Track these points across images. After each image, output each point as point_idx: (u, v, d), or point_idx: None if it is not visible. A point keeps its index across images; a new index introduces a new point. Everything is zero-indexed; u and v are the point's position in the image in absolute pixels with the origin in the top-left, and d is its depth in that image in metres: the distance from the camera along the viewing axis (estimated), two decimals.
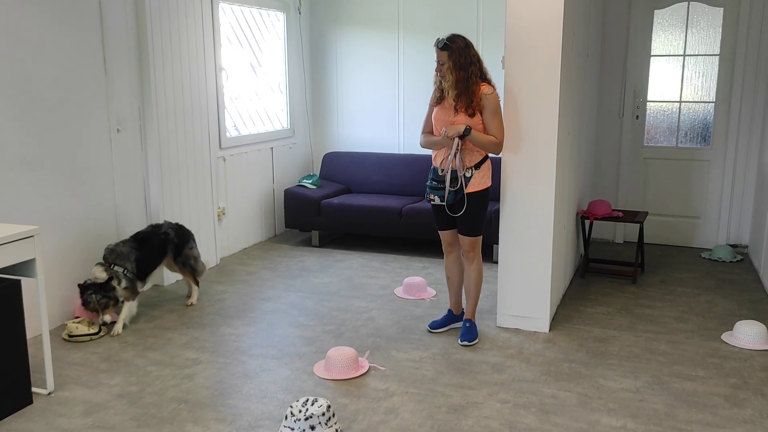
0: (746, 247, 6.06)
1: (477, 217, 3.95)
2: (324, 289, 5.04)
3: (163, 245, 4.58)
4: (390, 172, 6.61)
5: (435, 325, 4.22)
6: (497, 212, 5.32)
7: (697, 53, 6.06)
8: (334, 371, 3.59)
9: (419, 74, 6.63)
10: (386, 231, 6.08)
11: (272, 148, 6.55)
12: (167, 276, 5.12)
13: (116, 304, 4.19)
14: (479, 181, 3.90)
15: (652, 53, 6.18)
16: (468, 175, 3.87)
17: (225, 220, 5.92)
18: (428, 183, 3.97)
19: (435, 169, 3.94)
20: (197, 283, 4.77)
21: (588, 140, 5.70)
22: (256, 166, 6.35)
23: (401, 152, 6.82)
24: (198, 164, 5.39)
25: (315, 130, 7.17)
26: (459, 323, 4.25)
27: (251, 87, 6.28)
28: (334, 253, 6.11)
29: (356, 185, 6.73)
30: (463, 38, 3.78)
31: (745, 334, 3.97)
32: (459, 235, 4.02)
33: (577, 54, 4.61)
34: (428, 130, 4.00)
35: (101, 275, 4.16)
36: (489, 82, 3.83)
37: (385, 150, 6.89)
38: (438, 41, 3.76)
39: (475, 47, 3.84)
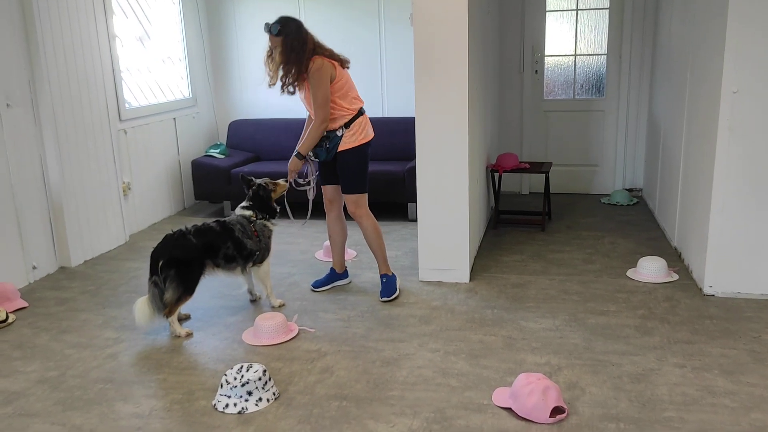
0: (641, 190, 6.47)
1: (355, 174, 4.00)
2: None
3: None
4: (299, 137, 6.51)
5: (318, 284, 4.29)
6: (411, 171, 5.42)
7: (588, 7, 6.31)
8: (264, 337, 3.57)
9: (321, 37, 6.54)
10: (300, 196, 6.01)
11: (175, 118, 6.31)
12: (74, 257, 4.87)
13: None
14: (350, 139, 3.95)
15: (547, 8, 6.39)
16: (339, 134, 3.93)
17: (131, 196, 5.68)
18: None
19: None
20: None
21: (492, 96, 5.86)
22: (160, 138, 6.10)
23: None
24: (98, 138, 5.12)
25: (218, 98, 6.96)
26: (342, 281, 4.35)
27: (148, 55, 5.99)
28: None
29: (265, 152, 6.61)
30: (294, 20, 3.81)
31: (648, 269, 4.26)
32: (343, 195, 4.10)
33: (480, 11, 4.70)
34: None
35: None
36: (325, 54, 3.84)
37: (291, 115, 6.78)
38: (270, 27, 3.75)
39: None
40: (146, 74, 5.97)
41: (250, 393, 2.90)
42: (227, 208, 6.22)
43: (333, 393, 3.01)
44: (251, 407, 2.88)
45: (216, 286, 4.40)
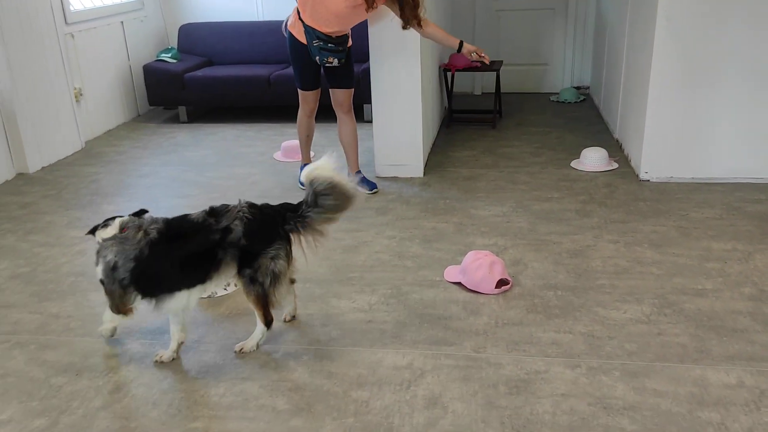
0: (588, 88, 6.68)
1: (354, 69, 4.16)
2: (202, 161, 5.05)
3: (212, 249, 2.47)
4: (252, 40, 6.47)
5: None
6: (366, 72, 5.48)
7: None
8: None
9: None
10: (256, 100, 6.06)
11: (122, 22, 6.17)
12: (31, 163, 4.89)
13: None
14: (349, 38, 4.06)
15: None
16: (347, 33, 4.00)
17: (83, 102, 5.63)
18: (320, 45, 3.87)
19: (325, 35, 3.85)
20: (265, 319, 2.61)
21: None
22: (108, 42, 5.99)
23: (261, 19, 6.66)
24: (46, 42, 5.01)
25: (166, 1, 6.78)
26: None
27: None
28: (204, 127, 6.04)
29: (218, 56, 6.55)
30: None
31: (590, 159, 4.52)
32: (339, 90, 4.14)
33: None
34: None
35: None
36: None
37: (244, 18, 6.69)
38: None
39: None
40: None
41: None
42: (182, 114, 6.22)
43: (297, 277, 3.20)
44: (220, 291, 3.07)
45: (176, 187, 4.51)
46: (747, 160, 4.09)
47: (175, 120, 6.26)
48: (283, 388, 2.39)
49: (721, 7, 3.80)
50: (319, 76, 4.12)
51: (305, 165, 4.43)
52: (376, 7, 3.77)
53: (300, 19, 3.87)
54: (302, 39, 3.92)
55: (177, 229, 2.50)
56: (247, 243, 2.47)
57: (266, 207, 2.62)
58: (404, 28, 3.84)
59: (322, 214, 2.55)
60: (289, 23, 3.99)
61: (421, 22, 3.82)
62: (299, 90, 4.16)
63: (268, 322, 2.61)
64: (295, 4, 3.90)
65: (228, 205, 2.56)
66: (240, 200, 2.59)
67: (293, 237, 2.59)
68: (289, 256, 2.58)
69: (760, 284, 2.97)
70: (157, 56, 6.34)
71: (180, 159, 5.14)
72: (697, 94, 3.99)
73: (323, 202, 2.53)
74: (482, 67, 5.66)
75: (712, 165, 4.13)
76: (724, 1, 3.79)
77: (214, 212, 2.53)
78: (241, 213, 2.50)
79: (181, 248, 2.47)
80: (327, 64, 3.98)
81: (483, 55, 3.83)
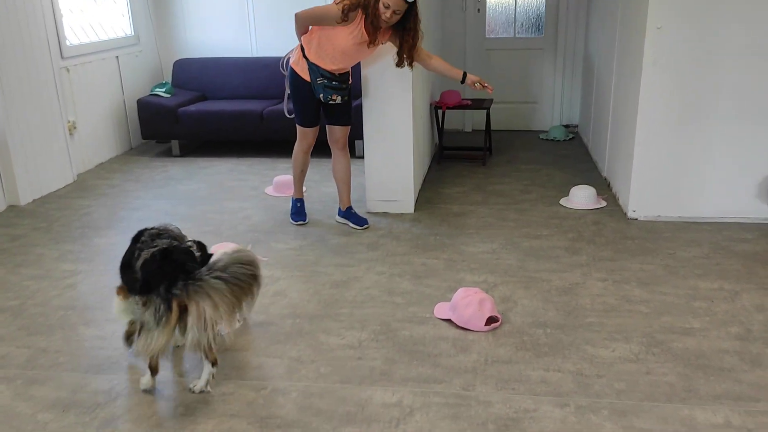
0: (576, 126, 6.78)
1: (352, 106, 4.22)
2: (194, 195, 5.08)
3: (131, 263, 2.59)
4: (246, 75, 6.56)
5: (300, 218, 4.43)
6: (358, 108, 5.55)
7: None
8: None
9: None
10: (248, 135, 6.11)
11: (117, 56, 6.24)
12: (22, 195, 4.89)
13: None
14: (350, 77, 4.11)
15: None
16: (349, 71, 4.05)
17: (77, 135, 5.66)
18: (324, 83, 3.91)
19: (329, 73, 3.89)
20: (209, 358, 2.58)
21: (435, 34, 5.99)
22: (103, 76, 6.05)
23: (255, 55, 6.76)
24: (41, 75, 5.06)
25: (161, 36, 6.87)
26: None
27: None
28: (197, 161, 6.08)
29: (212, 91, 6.61)
30: None
31: (579, 197, 4.57)
32: (337, 127, 4.19)
33: None
34: (306, 28, 3.88)
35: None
36: None
37: (238, 54, 6.78)
38: None
39: None
40: (86, 11, 5.86)
41: None
42: (175, 148, 6.26)
43: (287, 312, 3.22)
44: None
45: (168, 220, 4.51)
46: (734, 200, 4.16)
47: (168, 153, 6.30)
48: (272, 425, 2.38)
49: (706, 49, 3.91)
50: (319, 113, 4.15)
51: (297, 200, 4.49)
52: (379, 44, 3.85)
53: (304, 56, 3.92)
54: (306, 77, 3.95)
55: (139, 236, 2.69)
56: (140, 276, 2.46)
57: (171, 265, 2.41)
58: (398, 65, 3.91)
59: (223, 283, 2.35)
60: (291, 60, 4.02)
61: (424, 56, 3.94)
62: (299, 126, 4.18)
63: (150, 367, 2.56)
64: (298, 42, 3.97)
65: (166, 240, 2.57)
66: (169, 243, 2.53)
67: (188, 305, 2.33)
68: (162, 318, 2.32)
69: (746, 323, 3.00)
70: (152, 90, 6.40)
71: (172, 192, 5.16)
72: (684, 134, 4.07)
73: (234, 270, 2.41)
74: (472, 105, 5.76)
75: (700, 204, 4.20)
76: (709, 43, 3.90)
77: (155, 235, 2.62)
78: (149, 251, 2.47)
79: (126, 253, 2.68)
80: (331, 102, 4.01)
81: (486, 84, 3.90)
